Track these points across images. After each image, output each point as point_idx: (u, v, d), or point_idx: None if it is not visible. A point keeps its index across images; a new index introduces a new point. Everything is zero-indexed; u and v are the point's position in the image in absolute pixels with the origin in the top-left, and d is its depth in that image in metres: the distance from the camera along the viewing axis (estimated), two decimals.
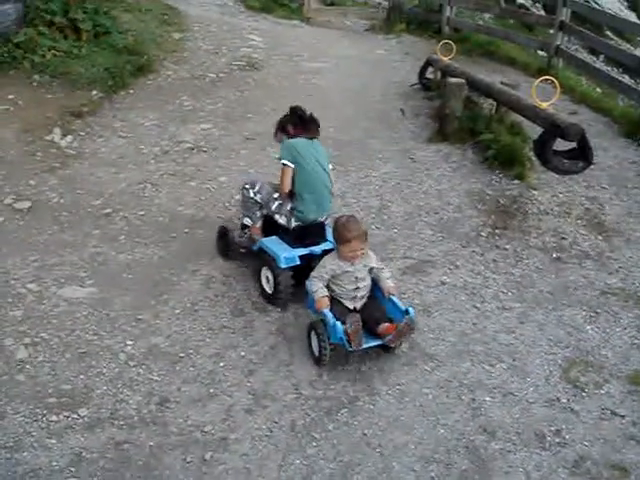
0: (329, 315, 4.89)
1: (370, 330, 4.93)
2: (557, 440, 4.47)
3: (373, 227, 6.95)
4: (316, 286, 5.03)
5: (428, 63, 10.93)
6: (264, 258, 5.70)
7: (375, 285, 5.25)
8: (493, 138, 8.47)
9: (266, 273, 5.70)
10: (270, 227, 5.92)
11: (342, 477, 4.17)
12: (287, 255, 5.48)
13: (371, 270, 5.21)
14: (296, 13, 18.16)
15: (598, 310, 5.86)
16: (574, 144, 7.10)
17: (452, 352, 5.26)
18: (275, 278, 5.55)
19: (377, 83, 11.56)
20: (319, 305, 4.96)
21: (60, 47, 9.93)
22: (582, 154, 7.07)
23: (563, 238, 6.87)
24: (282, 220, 5.76)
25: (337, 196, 7.42)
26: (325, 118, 9.53)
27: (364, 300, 5.20)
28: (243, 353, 5.15)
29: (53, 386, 4.73)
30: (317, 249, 5.60)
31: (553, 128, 6.97)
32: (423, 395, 4.82)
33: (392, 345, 5.02)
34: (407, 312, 4.93)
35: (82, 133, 8.63)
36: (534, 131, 8.10)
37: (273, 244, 5.68)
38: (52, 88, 9.30)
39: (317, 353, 5.02)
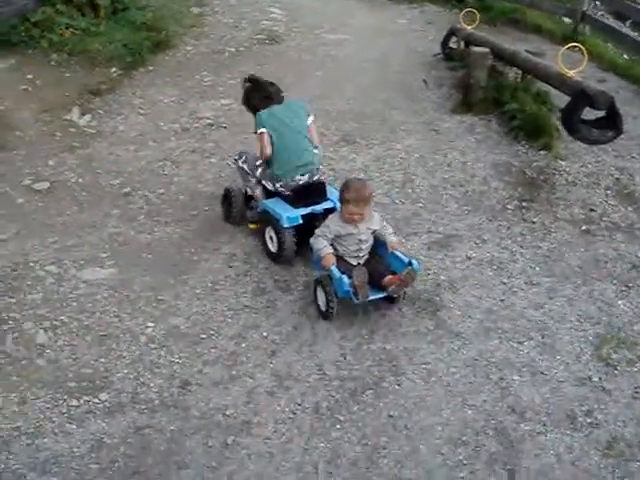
0: (335, 270, 4.97)
1: (374, 284, 5.00)
2: (589, 421, 4.33)
3: (397, 201, 6.81)
4: (321, 244, 5.10)
5: (451, 32, 10.69)
6: (267, 218, 5.81)
7: (377, 241, 5.31)
8: (518, 108, 8.28)
9: (270, 233, 5.80)
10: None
11: (367, 461, 4.06)
12: (290, 215, 5.58)
13: (374, 232, 5.26)
14: None
15: (630, 284, 5.69)
16: (603, 113, 6.89)
17: (479, 329, 5.12)
18: (279, 237, 5.65)
19: (399, 53, 11.34)
20: (326, 262, 5.04)
21: (78, 25, 9.83)
22: (611, 123, 6.85)
23: (592, 210, 6.69)
24: (268, 185, 5.93)
25: (359, 170, 7.33)
26: (346, 90, 9.53)
27: (366, 257, 5.25)
28: (265, 333, 5.05)
29: (73, 370, 4.66)
30: (318, 208, 5.71)
31: (581, 96, 6.76)
32: (450, 374, 4.69)
33: (395, 295, 5.12)
34: (410, 264, 4.99)
35: (101, 111, 8.55)
36: (561, 100, 7.90)
37: (275, 205, 5.76)
38: (70, 67, 9.23)
39: (324, 308, 5.13)
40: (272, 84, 6.11)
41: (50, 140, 7.74)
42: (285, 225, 5.55)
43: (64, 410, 4.35)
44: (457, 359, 4.83)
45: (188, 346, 4.91)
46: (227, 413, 4.36)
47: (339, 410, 4.39)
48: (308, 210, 5.68)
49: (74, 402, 4.41)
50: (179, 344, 4.93)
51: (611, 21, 13.74)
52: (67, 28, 9.69)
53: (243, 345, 4.93)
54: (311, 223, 5.57)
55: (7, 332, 4.96)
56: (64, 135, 7.89)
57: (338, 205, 5.47)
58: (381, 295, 5.08)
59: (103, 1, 10.31)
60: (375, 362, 4.78)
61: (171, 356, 4.82)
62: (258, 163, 5.99)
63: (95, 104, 8.67)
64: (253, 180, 6.09)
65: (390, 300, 5.24)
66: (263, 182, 5.99)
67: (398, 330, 5.07)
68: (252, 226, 6.20)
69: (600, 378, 4.68)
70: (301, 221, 5.60)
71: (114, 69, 9.44)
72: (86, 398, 4.44)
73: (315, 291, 5.25)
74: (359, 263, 5.19)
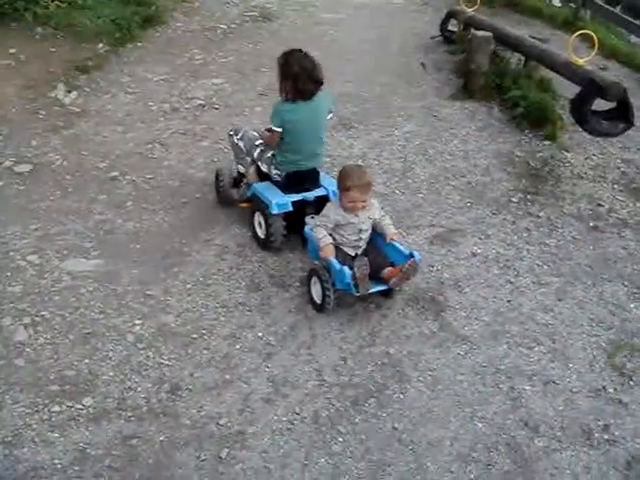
0: (335, 261, 4.76)
1: (372, 276, 4.76)
2: (606, 437, 4.07)
3: (397, 192, 6.53)
4: (320, 233, 4.88)
5: (450, 14, 10.35)
6: (257, 203, 5.60)
7: (374, 231, 5.10)
8: (522, 95, 8.01)
9: (259, 218, 5.59)
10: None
11: (372, 478, 3.78)
12: (279, 201, 5.37)
13: (373, 221, 5.07)
14: None
15: None
16: (613, 104, 6.61)
17: (486, 333, 4.85)
18: (267, 224, 5.46)
19: (396, 35, 10.99)
20: (325, 253, 4.83)
21: None
22: (622, 115, 6.57)
23: (599, 205, 6.44)
24: (264, 168, 5.69)
25: (357, 157, 7.03)
26: (342, 73, 9.18)
27: (364, 247, 5.04)
28: (260, 334, 4.75)
29: (55, 372, 4.35)
30: (310, 195, 5.53)
31: (592, 87, 6.47)
32: (457, 383, 4.41)
33: (397, 288, 4.95)
34: (412, 255, 4.80)
35: (87, 89, 8.19)
36: (565, 87, 7.67)
37: (265, 190, 5.55)
38: (56, 41, 8.86)
39: (319, 300, 4.90)
40: (313, 78, 5.28)
41: (33, 119, 7.37)
42: (274, 211, 5.35)
43: (45, 416, 4.04)
44: (464, 365, 4.56)
45: (178, 347, 4.61)
46: (220, 422, 4.06)
47: (340, 421, 4.11)
48: (299, 197, 5.48)
49: (56, 407, 4.10)
50: (169, 344, 4.62)
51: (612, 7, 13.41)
52: (53, 1, 9.29)
53: (237, 346, 4.63)
54: (302, 210, 5.45)
55: None
56: (48, 114, 7.52)
57: (332, 192, 5.31)
58: (382, 288, 4.88)
59: None
60: (377, 367, 4.50)
61: (160, 357, 4.51)
62: (257, 143, 5.72)
63: (81, 81, 8.30)
64: (248, 159, 5.82)
65: (385, 293, 5.03)
66: (259, 163, 5.71)
67: (401, 332, 4.80)
68: (243, 205, 5.91)
69: (615, 389, 4.42)
70: (291, 208, 5.40)
71: (101, 45, 9.06)
72: (69, 403, 4.13)
73: (309, 282, 5.00)
74: (357, 253, 4.98)
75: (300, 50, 5.41)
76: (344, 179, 4.83)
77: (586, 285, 5.42)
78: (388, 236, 5.02)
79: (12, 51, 8.41)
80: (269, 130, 5.49)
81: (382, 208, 5.28)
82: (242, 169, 5.95)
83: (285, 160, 5.47)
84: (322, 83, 5.36)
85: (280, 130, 5.31)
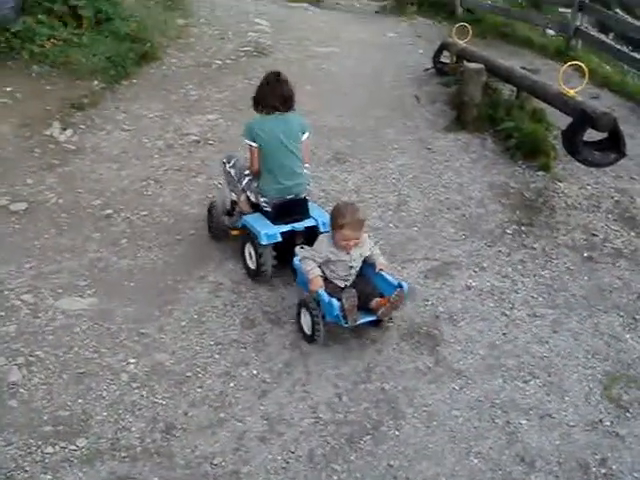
0: (324, 294, 4.77)
1: (361, 306, 4.77)
2: (603, 471, 4.04)
3: (391, 225, 6.54)
4: (309, 266, 4.90)
5: (443, 47, 10.43)
6: (246, 234, 5.64)
7: (364, 262, 5.12)
8: (515, 126, 8.07)
9: (249, 249, 5.64)
10: None
11: None
12: (268, 232, 5.42)
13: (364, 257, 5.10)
14: None
15: (636, 316, 5.43)
16: (604, 134, 6.64)
17: (482, 367, 4.83)
18: (257, 254, 5.49)
19: (389, 68, 11.09)
20: (313, 285, 4.84)
21: (60, 35, 9.50)
22: (614, 145, 6.60)
23: (594, 235, 6.44)
24: (252, 197, 5.75)
25: (351, 191, 7.05)
26: (336, 106, 9.25)
27: (353, 278, 5.05)
28: (255, 371, 4.73)
29: (49, 412, 4.33)
30: (299, 226, 5.56)
31: (583, 118, 6.50)
32: (453, 418, 4.39)
33: (384, 318, 4.96)
34: (400, 286, 4.81)
35: (82, 126, 8.22)
36: (558, 117, 7.69)
37: (255, 221, 5.59)
38: (52, 79, 8.91)
39: (309, 332, 4.93)
40: (290, 94, 5.58)
41: (29, 157, 7.40)
42: (263, 242, 5.39)
43: (38, 458, 4.02)
44: (460, 400, 4.53)
45: (173, 385, 4.59)
46: (214, 462, 4.04)
47: (335, 459, 4.08)
48: (288, 227, 5.52)
49: (49, 449, 4.08)
50: (163, 383, 4.60)
51: (604, 37, 13.52)
52: (49, 39, 9.35)
53: (231, 384, 4.61)
54: (292, 240, 5.50)
55: None
56: (43, 151, 7.55)
57: (321, 223, 5.39)
58: (370, 318, 4.87)
59: (86, 11, 9.97)
60: (373, 404, 4.48)
61: (154, 396, 4.49)
62: (246, 172, 5.79)
63: (77, 119, 8.33)
64: (239, 186, 5.88)
65: (375, 323, 5.05)
66: (247, 192, 5.78)
67: (396, 367, 4.78)
68: (234, 232, 5.93)
69: (612, 422, 4.40)
70: (280, 239, 5.44)
71: (97, 82, 9.10)
72: (62, 444, 4.11)
73: (299, 313, 5.03)
74: (346, 285, 4.99)
75: (275, 72, 5.64)
76: (337, 217, 4.83)
77: (581, 316, 5.41)
78: (377, 266, 5.05)
79: (8, 89, 8.44)
80: (247, 146, 5.59)
81: (375, 242, 5.28)
82: (234, 197, 6.01)
83: (267, 183, 5.54)
84: (290, 101, 5.54)
85: (254, 144, 5.46)
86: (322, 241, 5.01)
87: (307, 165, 5.79)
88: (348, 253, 4.91)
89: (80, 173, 7.26)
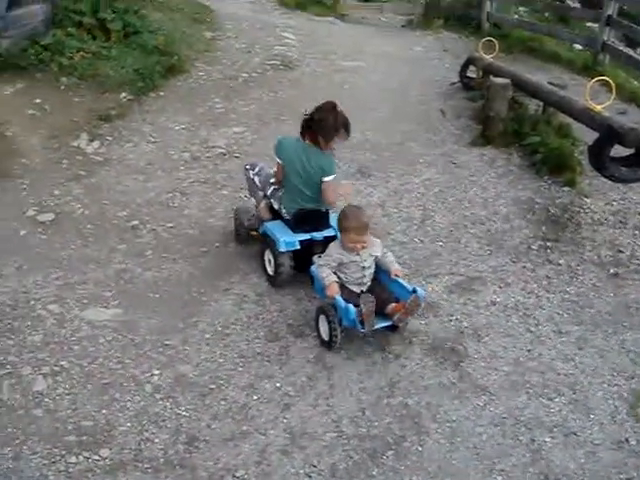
0: (340, 299, 4.85)
1: (377, 312, 4.81)
2: None
3: (416, 240, 6.53)
4: (325, 272, 5.00)
5: (469, 61, 10.44)
6: (267, 241, 5.76)
7: (378, 268, 5.21)
8: (540, 141, 8.04)
9: (268, 255, 5.76)
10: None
11: None
12: (287, 239, 5.54)
13: (376, 258, 5.17)
14: (331, 10, 17.72)
15: None
16: (631, 150, 6.59)
17: (506, 383, 4.80)
18: (276, 261, 5.61)
19: (415, 82, 11.11)
20: (330, 291, 4.93)
21: (88, 48, 9.60)
22: None
23: (620, 251, 6.38)
24: (275, 205, 5.85)
25: (377, 205, 7.06)
26: (362, 120, 9.24)
27: (369, 284, 5.13)
28: (278, 384, 4.73)
29: (73, 422, 4.34)
30: (318, 235, 5.64)
31: (610, 133, 6.46)
32: (476, 434, 4.36)
33: (400, 324, 5.01)
34: (415, 291, 4.87)
35: (109, 138, 8.30)
36: (584, 132, 7.63)
37: (275, 228, 5.72)
38: (80, 91, 8.99)
39: (327, 337, 4.99)
40: (306, 122, 5.54)
41: (56, 168, 7.48)
42: (282, 249, 5.51)
43: (62, 468, 4.03)
44: (483, 417, 4.50)
45: (196, 397, 4.59)
46: (237, 474, 4.03)
47: (357, 473, 4.06)
48: (307, 236, 5.62)
49: (73, 459, 4.09)
50: (186, 395, 4.61)
51: (631, 52, 13.47)
52: (78, 51, 9.46)
53: (254, 397, 4.61)
54: (310, 249, 5.58)
55: (4, 378, 4.64)
56: (71, 163, 7.63)
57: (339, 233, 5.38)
58: (386, 324, 4.94)
59: (114, 24, 10.10)
60: (396, 419, 4.46)
61: (177, 408, 4.50)
62: (272, 181, 5.90)
63: (104, 130, 8.41)
64: (260, 194, 6.01)
65: (392, 328, 5.08)
66: (271, 200, 5.89)
67: (420, 383, 4.76)
68: (254, 233, 6.11)
69: (638, 441, 4.34)
70: (298, 247, 5.56)
71: (124, 94, 9.19)
72: (86, 454, 4.13)
73: (317, 320, 5.11)
74: (362, 290, 5.07)
75: (329, 102, 5.55)
76: (342, 220, 4.99)
77: (607, 333, 5.37)
78: (392, 272, 5.11)
79: (38, 101, 8.53)
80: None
81: (399, 256, 5.27)
82: (254, 202, 6.14)
83: (287, 198, 5.68)
84: (310, 128, 5.50)
85: (280, 162, 5.61)
86: (332, 246, 5.13)
87: (332, 206, 5.73)
88: (358, 254, 5.00)
89: (106, 184, 7.32)
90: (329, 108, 5.46)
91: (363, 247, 4.99)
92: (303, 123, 5.56)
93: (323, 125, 5.41)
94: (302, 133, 5.58)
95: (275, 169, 5.80)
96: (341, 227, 5.00)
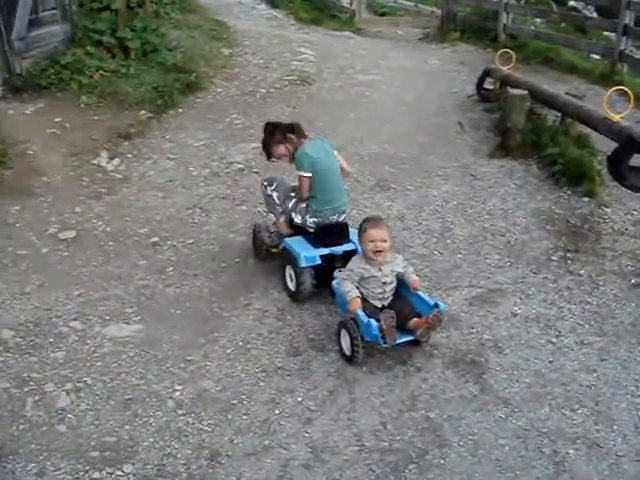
0: (362, 314, 4.84)
1: (399, 326, 4.81)
2: None
3: (436, 252, 6.53)
4: (348, 287, 4.99)
5: (486, 73, 10.44)
6: (288, 256, 5.77)
7: (400, 282, 5.20)
8: (559, 152, 8.00)
9: (289, 271, 5.78)
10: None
11: None
12: (307, 254, 5.56)
13: (398, 273, 5.17)
14: (347, 24, 17.83)
15: None
16: None
17: (528, 395, 4.78)
18: (297, 276, 5.62)
19: (432, 95, 11.13)
20: (352, 306, 4.91)
21: (108, 67, 9.75)
22: None
23: None
24: (297, 219, 5.88)
25: (396, 218, 7.06)
26: (380, 133, 9.30)
27: (390, 298, 5.13)
28: (300, 398, 4.74)
29: (96, 438, 4.37)
30: (339, 249, 5.69)
31: (629, 143, 6.45)
32: (499, 447, 4.34)
33: (423, 339, 5.02)
34: (437, 305, 4.89)
35: (129, 155, 8.38)
36: (603, 142, 7.60)
37: (296, 243, 5.75)
38: (99, 109, 9.10)
39: (349, 352, 4.97)
40: (296, 124, 6.00)
41: (77, 186, 7.56)
42: (302, 265, 5.53)
43: None
44: (506, 429, 4.48)
45: (218, 412, 4.61)
46: None
47: None
48: (327, 251, 5.65)
49: (96, 474, 4.11)
50: (208, 410, 4.63)
51: None
52: (97, 70, 9.59)
53: (276, 411, 4.62)
54: (331, 264, 5.60)
55: (27, 394, 4.69)
56: (91, 180, 7.71)
57: (360, 248, 5.33)
58: (408, 338, 4.93)
59: (133, 43, 10.21)
60: (418, 432, 4.45)
61: (200, 423, 4.52)
62: (292, 194, 5.94)
63: (124, 148, 8.50)
64: (279, 209, 6.03)
65: (414, 343, 5.07)
66: (292, 214, 5.90)
67: (441, 396, 4.75)
68: (274, 250, 6.11)
69: None
70: (319, 261, 5.58)
71: (143, 112, 9.28)
72: (109, 470, 4.15)
73: (339, 335, 5.09)
74: (383, 305, 5.08)
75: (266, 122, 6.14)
76: (361, 224, 5.09)
77: (630, 344, 5.33)
78: (412, 285, 5.12)
79: (58, 120, 8.64)
80: (300, 178, 5.75)
81: (419, 269, 5.26)
82: (272, 218, 6.19)
83: (320, 209, 5.72)
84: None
85: (310, 175, 5.64)
86: (354, 260, 5.16)
87: (351, 171, 6.31)
88: (380, 270, 5.00)
89: (127, 201, 7.39)
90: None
91: (382, 253, 4.97)
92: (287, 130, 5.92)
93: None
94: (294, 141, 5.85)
95: (298, 184, 5.83)
96: (360, 230, 5.05)
